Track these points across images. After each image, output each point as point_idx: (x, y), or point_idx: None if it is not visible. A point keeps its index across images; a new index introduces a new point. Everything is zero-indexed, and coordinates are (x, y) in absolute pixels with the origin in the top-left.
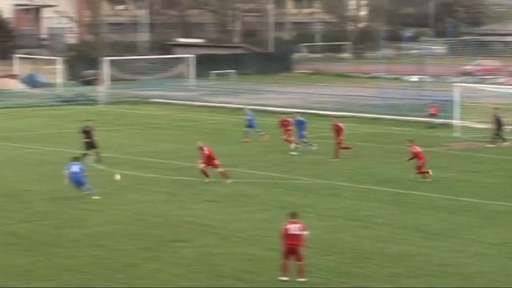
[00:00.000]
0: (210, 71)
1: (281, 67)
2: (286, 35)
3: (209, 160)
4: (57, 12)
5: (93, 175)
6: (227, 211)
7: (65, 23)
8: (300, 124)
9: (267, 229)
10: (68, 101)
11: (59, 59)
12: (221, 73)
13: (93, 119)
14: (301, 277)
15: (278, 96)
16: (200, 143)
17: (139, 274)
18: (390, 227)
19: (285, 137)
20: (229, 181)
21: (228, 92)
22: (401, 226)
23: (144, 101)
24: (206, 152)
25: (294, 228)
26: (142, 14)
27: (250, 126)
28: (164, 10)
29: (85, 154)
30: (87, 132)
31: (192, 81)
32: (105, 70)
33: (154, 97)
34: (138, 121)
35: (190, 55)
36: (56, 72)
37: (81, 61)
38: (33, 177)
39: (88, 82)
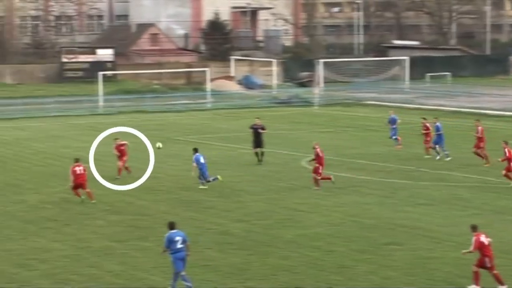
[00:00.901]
0: (425, 74)
1: (498, 70)
2: (504, 37)
3: (320, 161)
4: (273, 14)
5: (302, 176)
6: (441, 214)
7: (281, 25)
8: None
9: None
10: (283, 103)
11: (274, 61)
12: (436, 75)
13: (306, 121)
14: (502, 285)
15: (494, 99)
16: (315, 144)
17: (353, 276)
18: None
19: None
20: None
21: (443, 94)
22: None
23: (358, 103)
24: (319, 154)
25: (485, 239)
26: (358, 16)
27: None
28: (379, 12)
29: (256, 153)
30: (255, 130)
31: (406, 83)
32: (320, 72)
33: (368, 99)
34: (352, 123)
35: (405, 57)
36: (272, 74)
37: (296, 63)
38: (249, 177)
39: (303, 84)
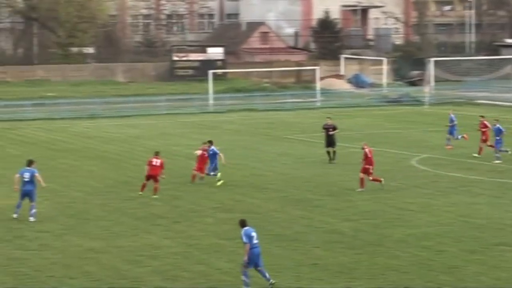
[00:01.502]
0: None
1: None
2: None
3: (369, 162)
4: (383, 13)
5: (412, 176)
6: None
7: (391, 24)
8: (498, 132)
9: None
10: (393, 102)
11: (384, 59)
12: None
13: (416, 120)
14: None
15: None
16: (364, 144)
17: (463, 277)
18: None
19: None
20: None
21: None
22: None
23: (469, 103)
24: (368, 154)
25: None
26: (469, 14)
27: (451, 132)
28: (492, 11)
29: (328, 152)
30: (326, 130)
31: None
32: (431, 71)
33: (480, 98)
34: (463, 122)
35: None
36: (382, 72)
37: (407, 61)
38: (356, 176)
39: (414, 83)
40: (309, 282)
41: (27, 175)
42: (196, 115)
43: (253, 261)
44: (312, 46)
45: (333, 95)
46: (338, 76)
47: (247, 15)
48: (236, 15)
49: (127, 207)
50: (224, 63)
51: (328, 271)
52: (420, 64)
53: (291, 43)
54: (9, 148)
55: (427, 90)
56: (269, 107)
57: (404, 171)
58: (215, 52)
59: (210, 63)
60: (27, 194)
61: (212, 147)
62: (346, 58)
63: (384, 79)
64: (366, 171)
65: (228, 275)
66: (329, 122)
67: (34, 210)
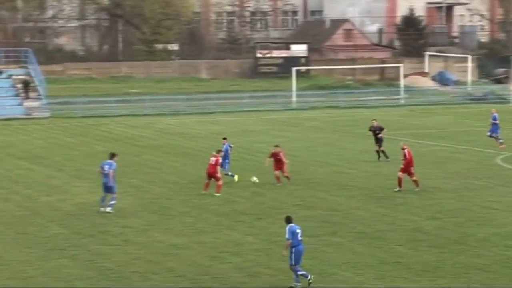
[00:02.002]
0: None
1: None
2: None
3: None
4: (469, 10)
5: (498, 174)
6: None
7: (476, 21)
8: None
9: None
10: (478, 100)
11: (469, 57)
12: None
13: (501, 118)
14: None
15: None
16: (403, 145)
17: None
18: None
19: None
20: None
21: None
22: None
23: None
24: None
25: None
26: None
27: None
28: None
29: (377, 152)
30: (373, 132)
31: None
32: None
33: None
34: None
35: None
36: (467, 70)
37: (492, 59)
38: (442, 174)
39: (499, 81)
40: (391, 280)
41: (106, 168)
42: (279, 112)
43: (297, 258)
44: (396, 43)
45: (417, 93)
46: (422, 74)
47: (330, 12)
48: (319, 12)
49: (210, 203)
50: (307, 60)
51: (411, 270)
52: (506, 62)
53: (374, 40)
54: (94, 144)
55: None
56: (352, 105)
57: (488, 170)
58: (299, 49)
59: (293, 60)
60: (106, 186)
61: (226, 144)
62: (430, 55)
63: (469, 77)
64: (406, 171)
65: (310, 272)
66: (375, 124)
67: (112, 202)
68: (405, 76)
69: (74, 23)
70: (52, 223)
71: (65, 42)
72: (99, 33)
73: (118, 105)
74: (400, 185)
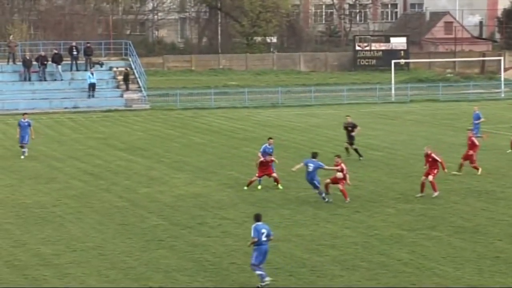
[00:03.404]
0: None
1: None
2: None
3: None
4: None
5: None
6: None
7: None
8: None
9: None
10: None
11: None
12: None
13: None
14: None
15: None
16: (427, 148)
17: None
18: None
19: None
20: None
21: None
22: None
23: None
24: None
25: None
26: None
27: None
28: None
29: (346, 148)
30: (345, 128)
31: None
32: None
33: None
34: None
35: None
36: None
37: None
38: None
39: None
40: (490, 275)
41: (311, 166)
42: (378, 105)
43: (259, 258)
44: (497, 36)
45: None
46: None
47: (430, 5)
48: (419, 4)
49: (308, 196)
50: (406, 53)
51: (510, 265)
52: None
53: (475, 33)
54: (193, 136)
55: None
56: (451, 98)
57: None
58: (398, 42)
59: (392, 53)
60: (308, 181)
61: (265, 145)
62: None
63: None
64: (430, 173)
65: (409, 266)
66: (349, 120)
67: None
68: (506, 69)
69: (174, 16)
70: (152, 214)
71: (165, 34)
72: (199, 25)
73: (217, 97)
74: (424, 190)
